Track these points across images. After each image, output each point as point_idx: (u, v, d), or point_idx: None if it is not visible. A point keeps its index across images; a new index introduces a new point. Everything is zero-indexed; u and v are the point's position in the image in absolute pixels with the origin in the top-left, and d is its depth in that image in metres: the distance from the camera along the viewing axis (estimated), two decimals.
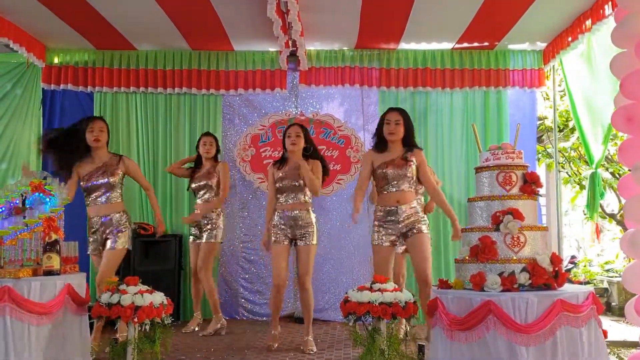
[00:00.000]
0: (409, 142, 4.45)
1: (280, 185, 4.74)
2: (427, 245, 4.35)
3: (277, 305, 4.76)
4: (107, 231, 4.55)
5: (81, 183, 4.61)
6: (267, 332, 4.92)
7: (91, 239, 4.62)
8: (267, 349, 4.65)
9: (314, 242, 4.72)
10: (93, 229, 4.59)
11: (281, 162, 4.85)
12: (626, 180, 3.29)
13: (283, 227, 4.70)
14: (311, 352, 4.56)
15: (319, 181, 4.75)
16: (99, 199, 4.59)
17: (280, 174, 4.76)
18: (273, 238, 4.73)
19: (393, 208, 4.35)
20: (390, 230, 4.35)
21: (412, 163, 4.37)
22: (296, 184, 4.69)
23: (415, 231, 4.32)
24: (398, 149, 4.43)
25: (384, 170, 4.38)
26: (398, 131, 4.39)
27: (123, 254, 4.62)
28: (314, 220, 4.76)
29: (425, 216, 4.49)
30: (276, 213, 4.77)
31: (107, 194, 4.59)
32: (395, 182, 4.36)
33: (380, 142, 4.48)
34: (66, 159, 4.58)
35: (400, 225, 4.33)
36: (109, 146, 4.85)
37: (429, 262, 4.32)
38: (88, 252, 4.65)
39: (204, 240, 5.40)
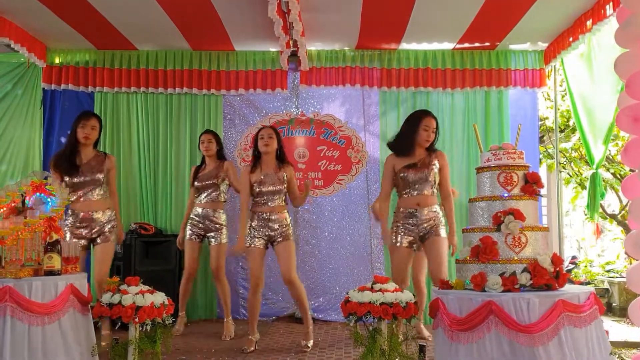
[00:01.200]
0: (432, 146, 4.46)
1: (260, 189, 4.70)
2: (444, 249, 4.36)
3: (254, 307, 4.76)
4: (97, 227, 4.56)
5: (66, 179, 4.57)
6: (245, 336, 4.94)
7: (70, 232, 4.57)
8: (242, 351, 4.64)
9: (291, 237, 4.70)
10: (77, 224, 4.56)
11: (254, 165, 4.80)
12: (631, 181, 3.27)
13: (261, 230, 4.67)
14: (307, 348, 4.61)
15: (296, 188, 4.84)
16: (87, 196, 4.57)
17: (262, 177, 4.71)
18: (249, 243, 4.69)
19: (413, 210, 4.37)
20: (409, 232, 4.37)
21: (434, 166, 4.37)
22: (275, 188, 4.68)
23: (433, 234, 4.34)
24: (421, 153, 4.43)
25: (405, 174, 4.38)
26: (433, 138, 4.42)
27: (113, 250, 4.69)
28: (288, 219, 4.75)
29: (444, 221, 4.48)
30: (254, 217, 4.73)
31: (96, 190, 4.58)
32: (416, 186, 4.36)
33: (407, 146, 4.44)
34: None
35: (419, 228, 4.34)
36: (110, 145, 4.84)
37: (444, 265, 4.32)
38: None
39: (216, 243, 5.38)
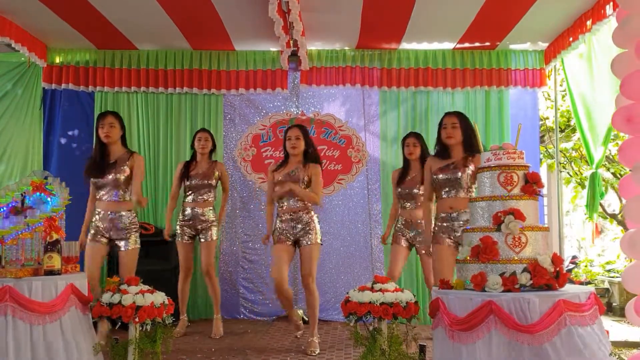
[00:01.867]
0: (470, 146, 4.26)
1: (280, 188, 4.73)
2: None
3: (283, 298, 4.77)
4: (116, 231, 4.56)
5: (92, 179, 4.60)
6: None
7: (93, 231, 4.59)
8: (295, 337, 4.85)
9: (317, 241, 4.69)
10: (99, 223, 4.56)
11: (281, 164, 4.84)
12: (627, 181, 3.28)
13: (285, 230, 4.70)
14: (314, 354, 4.54)
15: (319, 187, 4.73)
16: (107, 196, 4.57)
17: (280, 177, 4.74)
18: (276, 239, 4.74)
19: (449, 214, 4.24)
20: (449, 233, 4.23)
21: (467, 169, 4.19)
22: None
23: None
24: (459, 154, 4.28)
25: (436, 176, 4.27)
26: (455, 134, 4.24)
27: (138, 252, 4.67)
28: (315, 219, 4.74)
29: None
30: (277, 217, 4.78)
31: (116, 192, 4.57)
32: (448, 189, 4.24)
33: (441, 149, 4.35)
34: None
35: (457, 233, 4.20)
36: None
37: None
38: (86, 240, 4.60)
39: (205, 241, 5.35)
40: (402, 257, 5.08)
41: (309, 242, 4.66)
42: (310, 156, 4.80)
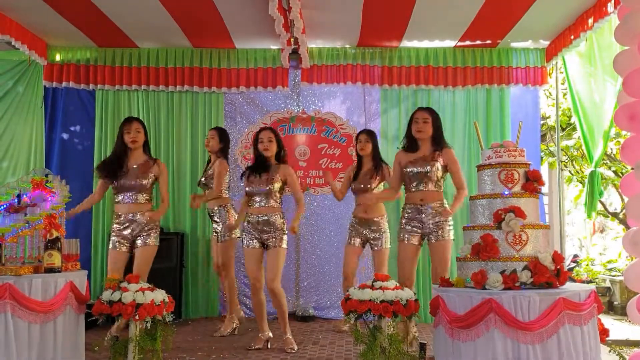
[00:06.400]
0: (438, 142, 4.44)
1: (250, 189, 4.63)
2: (447, 252, 4.38)
3: (258, 306, 4.67)
4: (137, 230, 4.57)
5: (114, 182, 4.62)
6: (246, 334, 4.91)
7: (114, 237, 4.60)
8: (248, 348, 4.62)
9: (283, 245, 4.56)
10: (122, 227, 4.58)
11: (253, 166, 4.73)
12: (629, 179, 3.28)
13: (253, 231, 4.58)
14: (292, 350, 4.52)
15: (299, 188, 4.67)
16: (130, 199, 4.59)
17: (251, 178, 4.66)
18: (245, 243, 4.63)
19: (418, 206, 4.39)
20: (415, 229, 4.40)
21: (436, 163, 4.37)
22: (265, 189, 4.56)
23: (439, 237, 4.33)
24: (427, 148, 4.44)
25: (407, 169, 4.41)
26: (426, 129, 4.41)
27: (155, 251, 4.64)
28: (284, 224, 4.60)
29: (451, 218, 4.41)
30: (247, 217, 4.66)
31: (137, 195, 4.59)
32: (418, 182, 4.38)
33: (410, 142, 4.50)
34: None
35: (424, 225, 4.36)
36: (110, 143, 4.82)
37: (447, 267, 4.35)
38: (109, 247, 4.63)
39: (221, 238, 5.26)
40: (356, 256, 5.19)
41: (275, 246, 4.53)
42: (279, 157, 4.71)
